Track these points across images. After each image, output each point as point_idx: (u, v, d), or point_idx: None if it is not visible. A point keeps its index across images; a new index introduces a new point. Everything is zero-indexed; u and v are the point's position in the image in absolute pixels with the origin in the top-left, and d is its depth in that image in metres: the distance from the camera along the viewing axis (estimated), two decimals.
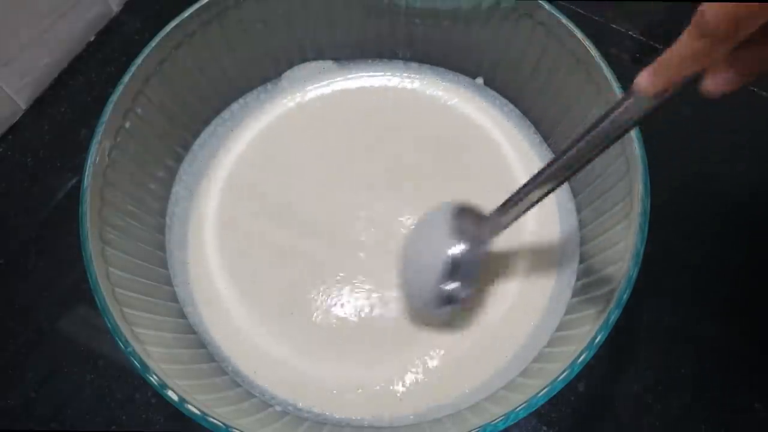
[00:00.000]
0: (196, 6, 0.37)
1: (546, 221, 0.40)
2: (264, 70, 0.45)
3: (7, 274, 0.41)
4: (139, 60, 0.35)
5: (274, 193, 0.41)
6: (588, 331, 0.28)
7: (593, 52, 0.34)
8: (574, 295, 0.35)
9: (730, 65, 0.24)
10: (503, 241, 0.39)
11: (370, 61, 0.46)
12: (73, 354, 0.38)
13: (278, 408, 0.33)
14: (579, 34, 0.35)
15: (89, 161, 0.32)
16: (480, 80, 0.45)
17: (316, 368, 0.35)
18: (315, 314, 0.37)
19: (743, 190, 0.44)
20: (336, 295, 0.37)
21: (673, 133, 0.43)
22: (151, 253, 0.37)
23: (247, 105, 0.45)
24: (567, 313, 0.34)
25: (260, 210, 0.40)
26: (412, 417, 0.34)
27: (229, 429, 0.26)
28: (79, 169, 0.35)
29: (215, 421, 0.27)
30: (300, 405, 0.34)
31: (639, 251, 0.29)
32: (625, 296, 0.28)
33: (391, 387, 0.35)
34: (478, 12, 0.40)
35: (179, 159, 0.42)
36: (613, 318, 0.27)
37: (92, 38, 0.52)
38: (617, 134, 0.26)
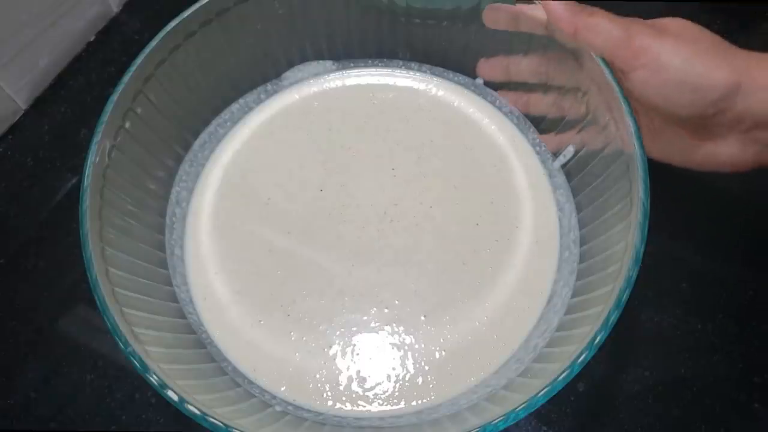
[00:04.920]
0: (196, 6, 0.37)
1: (545, 221, 0.40)
2: (264, 70, 0.45)
3: (7, 274, 0.41)
4: (139, 60, 0.35)
5: (273, 193, 0.41)
6: (588, 331, 0.28)
7: (593, 51, 0.34)
8: (574, 295, 0.35)
9: None
10: (502, 241, 0.39)
11: (370, 61, 0.46)
12: (73, 354, 0.38)
13: (278, 408, 0.34)
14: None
15: (89, 161, 0.32)
16: (480, 80, 0.45)
17: (315, 368, 0.35)
18: (314, 314, 0.37)
19: (745, 189, 0.44)
20: (335, 295, 0.37)
21: None
22: (151, 253, 0.37)
23: (247, 105, 0.45)
24: (567, 313, 0.34)
25: (260, 211, 0.40)
26: (412, 417, 0.34)
27: (229, 429, 0.26)
28: (79, 169, 0.35)
29: (215, 421, 0.27)
30: (300, 405, 0.34)
31: (639, 251, 0.29)
32: (625, 296, 0.28)
33: (391, 387, 0.35)
34: (477, 12, 0.40)
35: (179, 159, 0.42)
36: (613, 318, 0.27)
37: (92, 38, 0.52)
38: None
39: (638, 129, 0.31)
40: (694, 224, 0.42)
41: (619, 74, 0.33)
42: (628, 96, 0.32)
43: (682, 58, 0.30)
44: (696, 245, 0.42)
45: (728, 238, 0.42)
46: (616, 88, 0.33)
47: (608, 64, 0.33)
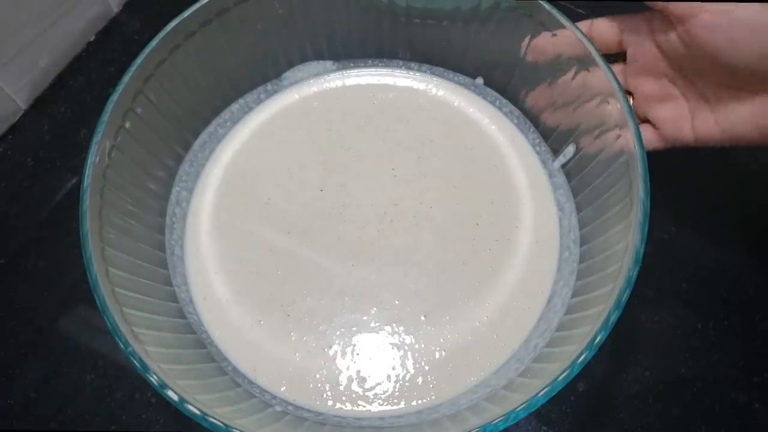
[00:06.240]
0: (196, 6, 0.37)
1: (545, 221, 0.40)
2: (264, 70, 0.45)
3: (7, 274, 0.41)
4: (139, 60, 0.35)
5: (273, 193, 0.41)
6: (588, 331, 0.28)
7: (593, 52, 0.34)
8: (574, 295, 0.35)
9: None
10: (502, 241, 0.39)
11: (370, 61, 0.46)
12: (73, 354, 0.38)
13: (278, 408, 0.34)
14: (579, 34, 0.35)
15: (89, 161, 0.32)
16: (480, 80, 0.45)
17: (315, 368, 0.35)
18: (314, 314, 0.37)
19: (745, 189, 0.44)
20: (335, 295, 0.37)
21: None
22: (151, 253, 0.37)
23: (247, 105, 0.45)
24: (567, 313, 0.34)
25: (260, 211, 0.40)
26: (412, 417, 0.34)
27: (229, 429, 0.26)
28: (79, 169, 0.35)
29: (215, 421, 0.27)
30: (300, 405, 0.34)
31: (639, 251, 0.29)
32: (625, 296, 0.28)
33: (391, 387, 0.35)
34: (477, 12, 0.40)
35: (179, 159, 0.42)
36: (613, 318, 0.27)
37: (92, 38, 0.52)
38: None
39: (638, 129, 0.32)
40: (694, 224, 0.42)
41: (677, 28, 0.32)
42: (681, 53, 0.32)
43: (748, 7, 0.29)
44: (696, 245, 0.42)
45: (729, 238, 0.42)
46: (617, 88, 0.33)
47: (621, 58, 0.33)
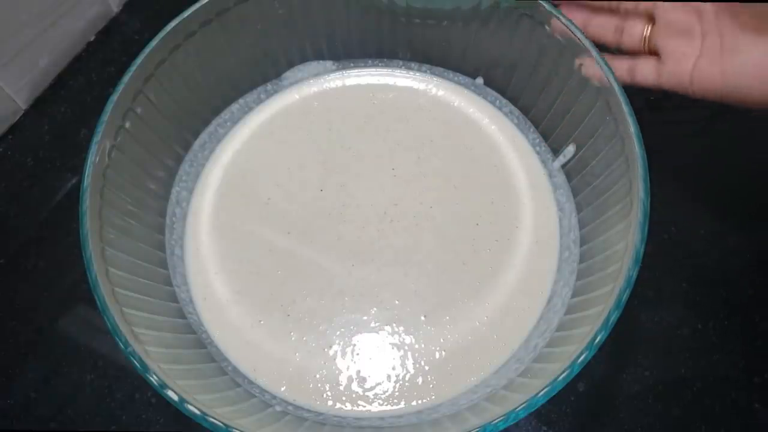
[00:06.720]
0: (196, 6, 0.37)
1: (545, 221, 0.40)
2: (264, 70, 0.45)
3: (7, 274, 0.41)
4: (139, 60, 0.35)
5: (273, 193, 0.41)
6: (588, 331, 0.28)
7: (593, 51, 0.34)
8: (574, 295, 0.35)
9: None
10: (502, 241, 0.39)
11: (370, 61, 0.46)
12: (73, 354, 0.38)
13: (278, 408, 0.34)
14: (579, 34, 0.35)
15: (89, 161, 0.32)
16: (480, 80, 0.45)
17: (315, 368, 0.35)
18: (314, 314, 0.37)
19: (745, 189, 0.44)
20: (335, 295, 0.37)
21: (674, 131, 0.43)
22: (151, 253, 0.37)
23: (247, 105, 0.45)
24: (567, 313, 0.34)
25: (259, 211, 0.40)
26: (412, 417, 0.34)
27: (229, 429, 0.26)
28: (79, 169, 0.35)
29: (215, 421, 0.27)
30: (300, 405, 0.34)
31: (639, 251, 0.29)
32: (625, 296, 0.28)
33: (391, 387, 0.35)
34: (477, 12, 0.40)
35: (179, 159, 0.42)
36: (613, 318, 0.27)
37: (92, 38, 0.52)
38: None
39: (639, 129, 0.31)
40: (694, 224, 0.42)
41: None
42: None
43: None
44: (696, 245, 0.42)
45: (729, 238, 0.42)
46: (617, 88, 0.33)
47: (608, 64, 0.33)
